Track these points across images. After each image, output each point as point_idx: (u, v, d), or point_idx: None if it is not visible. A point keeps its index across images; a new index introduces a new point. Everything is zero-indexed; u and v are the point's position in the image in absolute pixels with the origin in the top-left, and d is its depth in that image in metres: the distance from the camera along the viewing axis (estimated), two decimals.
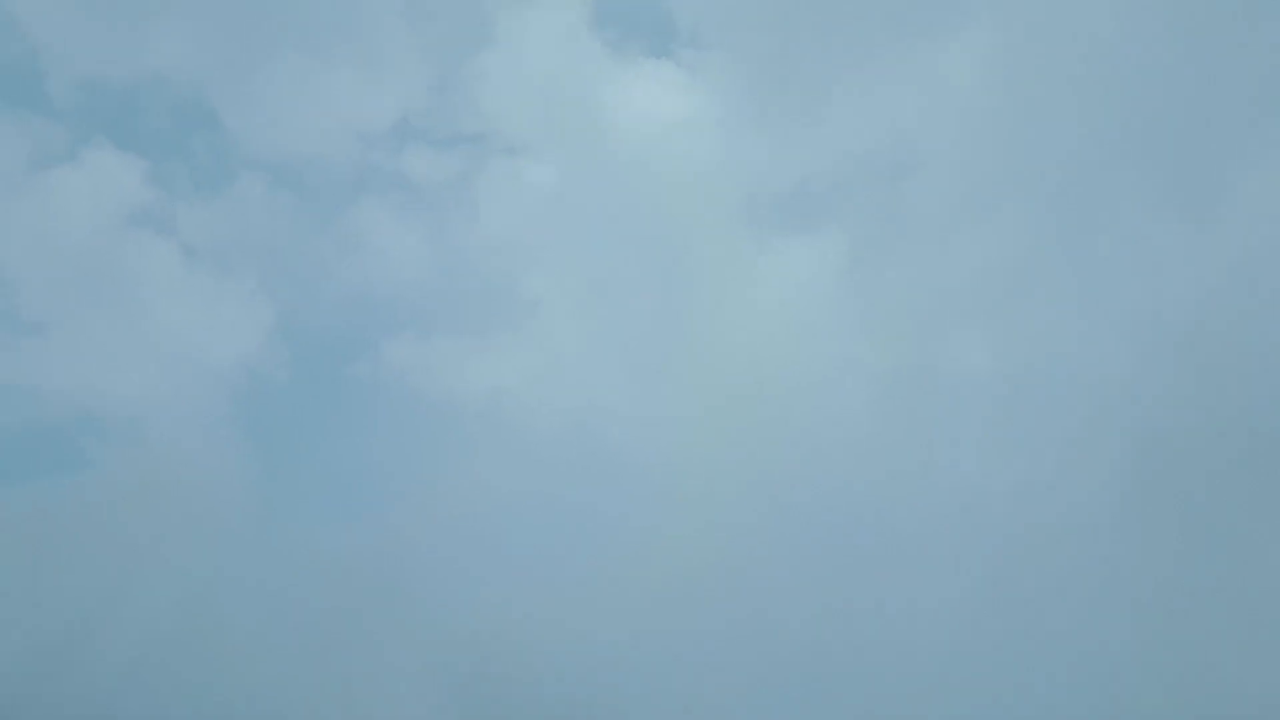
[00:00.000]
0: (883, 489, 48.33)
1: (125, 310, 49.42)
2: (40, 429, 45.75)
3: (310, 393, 49.54)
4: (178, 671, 41.09)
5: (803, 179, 53.11)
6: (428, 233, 53.84)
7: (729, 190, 53.81)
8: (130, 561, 43.51)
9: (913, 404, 49.63)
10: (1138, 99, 49.94)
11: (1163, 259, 47.10)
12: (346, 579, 44.58)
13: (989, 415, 49.47)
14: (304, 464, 47.98)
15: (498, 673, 44.10)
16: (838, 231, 52.85)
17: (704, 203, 53.68)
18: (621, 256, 54.03)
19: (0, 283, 46.94)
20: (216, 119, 51.38)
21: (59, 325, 48.10)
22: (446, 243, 53.93)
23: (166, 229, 50.20)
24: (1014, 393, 49.44)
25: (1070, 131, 50.78)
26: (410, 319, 51.30)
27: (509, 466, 47.57)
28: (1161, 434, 47.09)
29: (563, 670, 44.12)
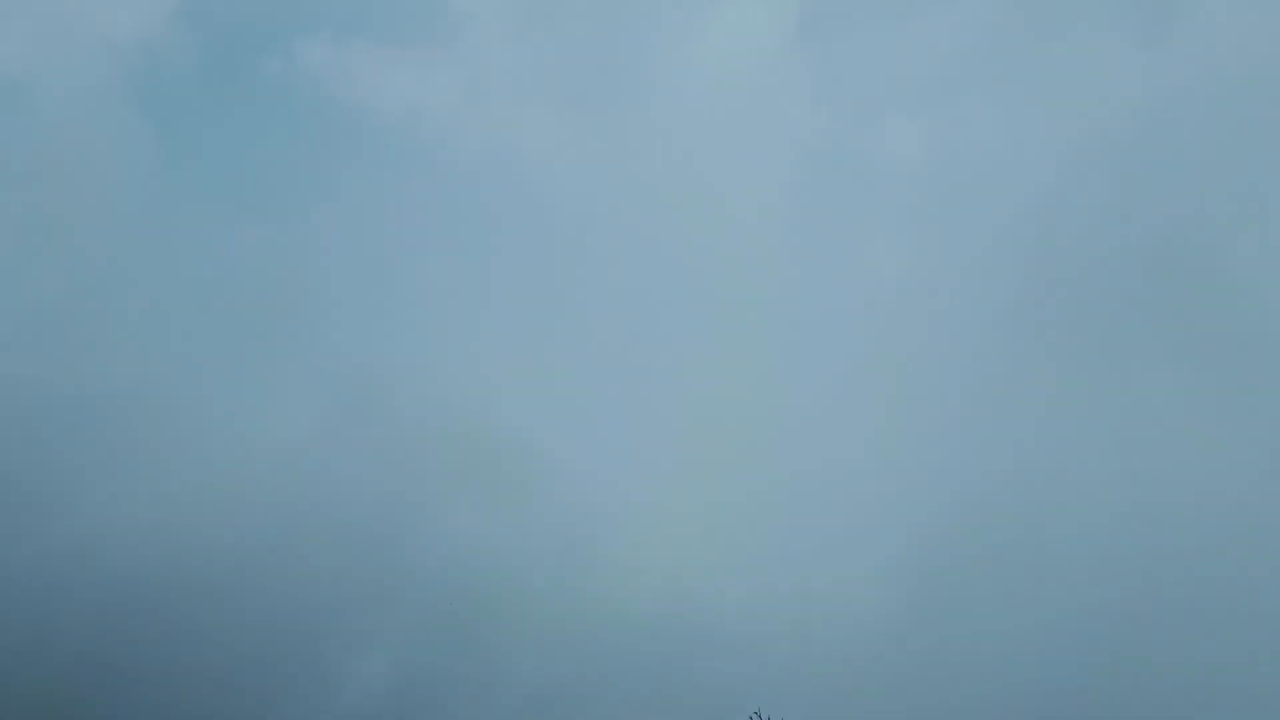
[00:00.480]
0: (797, 267, 48.71)
1: None
2: None
3: (216, 85, 46.69)
4: (68, 350, 41.00)
5: None
6: None
7: None
8: (19, 238, 42.32)
9: (838, 184, 49.20)
10: None
11: (1109, 75, 46.08)
12: (245, 279, 44.06)
13: (910, 207, 49.43)
14: (207, 158, 46.06)
15: (388, 399, 44.78)
16: None
17: None
18: None
19: None
20: None
21: None
22: None
23: None
24: (938, 188, 49.26)
25: None
26: (329, 18, 47.87)
27: (421, 193, 46.38)
28: (1073, 247, 47.85)
29: (453, 402, 45.02)
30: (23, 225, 42.02)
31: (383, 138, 48.33)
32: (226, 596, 38.55)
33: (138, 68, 45.37)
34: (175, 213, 44.52)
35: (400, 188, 47.91)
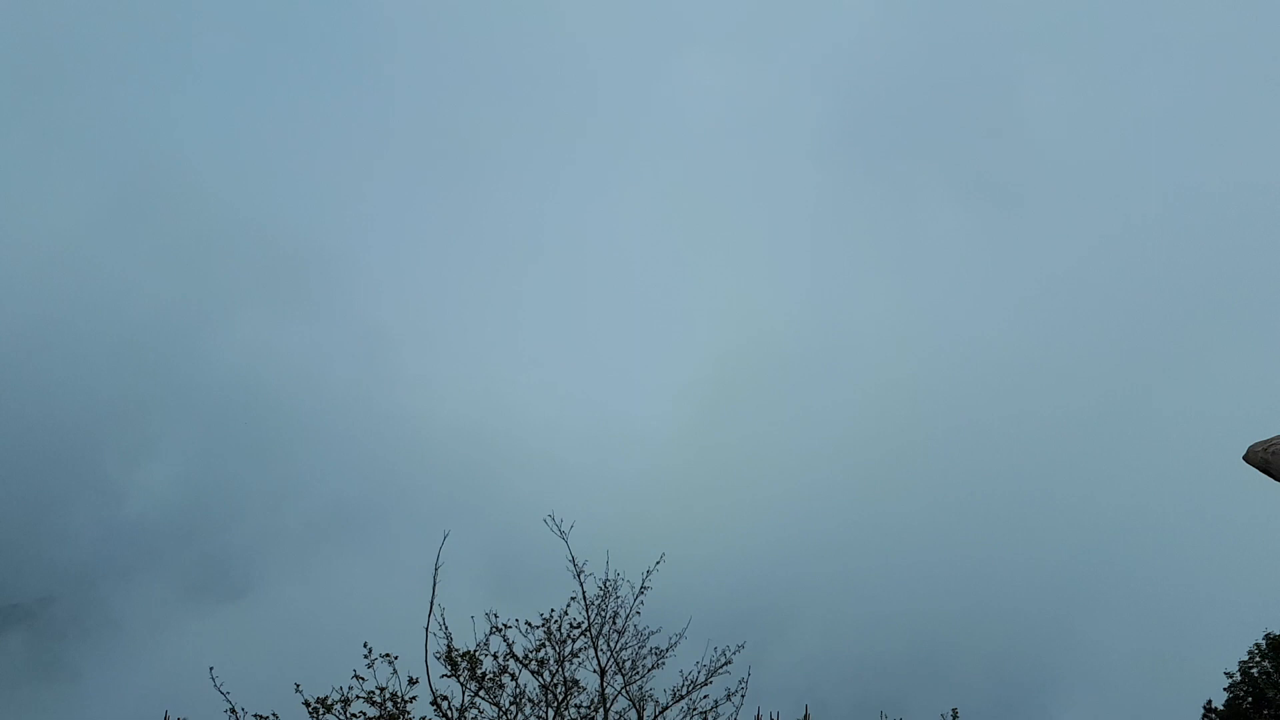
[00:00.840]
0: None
1: None
2: None
3: None
4: None
5: None
6: None
7: None
8: None
9: None
10: None
11: None
12: (8, 41, 41.49)
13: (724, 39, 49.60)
14: None
15: (177, 194, 42.99)
16: None
17: None
18: None
19: None
20: None
21: None
22: None
23: None
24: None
25: None
26: None
27: None
28: (881, 91, 49.28)
29: (249, 204, 43.49)
30: None
31: None
32: None
33: None
34: None
35: None
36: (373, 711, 9.54)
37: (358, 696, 9.39)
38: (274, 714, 9.53)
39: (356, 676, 9.41)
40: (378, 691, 9.47)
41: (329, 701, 9.24)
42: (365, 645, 9.51)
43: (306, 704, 9.29)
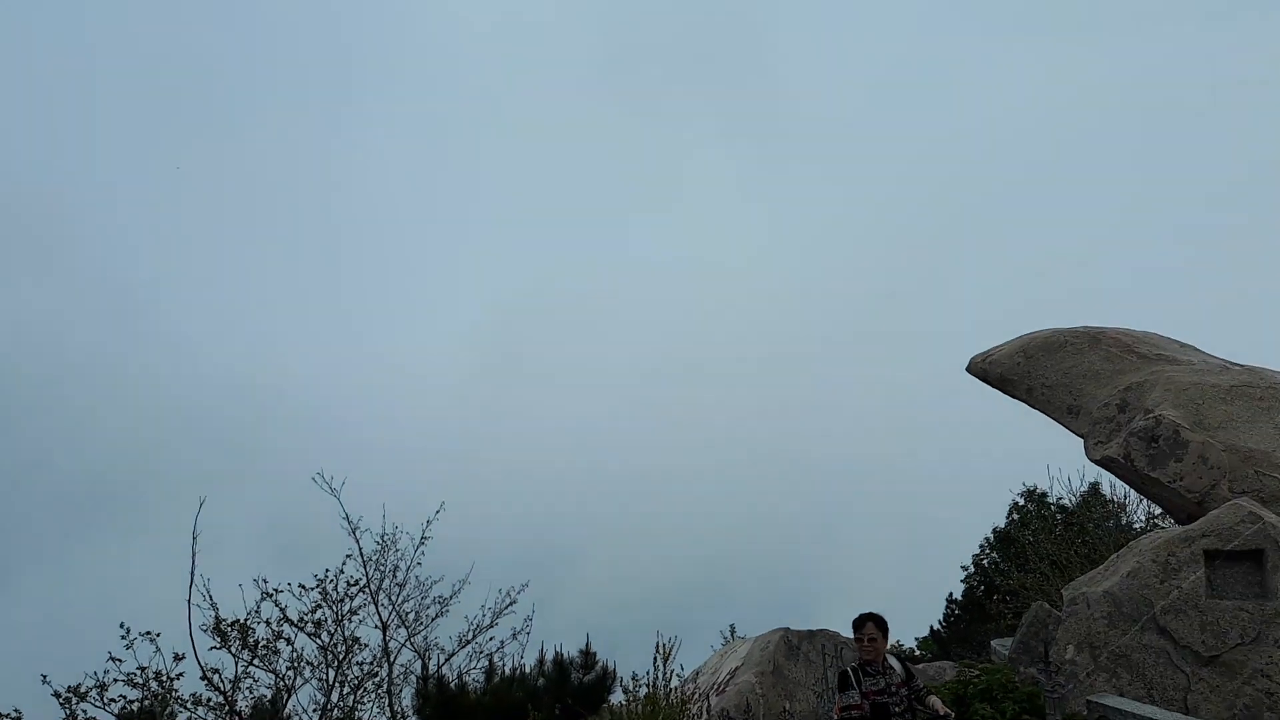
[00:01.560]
0: None
1: None
2: None
3: None
4: None
5: None
6: None
7: None
8: None
9: None
10: None
11: None
12: None
13: None
14: None
15: None
16: None
17: None
18: None
19: None
20: None
21: None
22: None
23: None
24: None
25: None
26: None
27: None
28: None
29: None
30: None
31: None
32: None
33: None
34: None
35: None
36: (135, 694, 9.03)
37: (116, 680, 8.83)
38: (16, 710, 8.85)
39: (113, 659, 8.84)
40: (139, 672, 8.95)
41: (82, 689, 8.64)
42: (122, 625, 8.95)
43: (57, 695, 8.65)
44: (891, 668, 6.08)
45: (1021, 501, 24.44)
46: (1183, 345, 11.55)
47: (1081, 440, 11.11)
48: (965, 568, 26.28)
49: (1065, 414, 11.37)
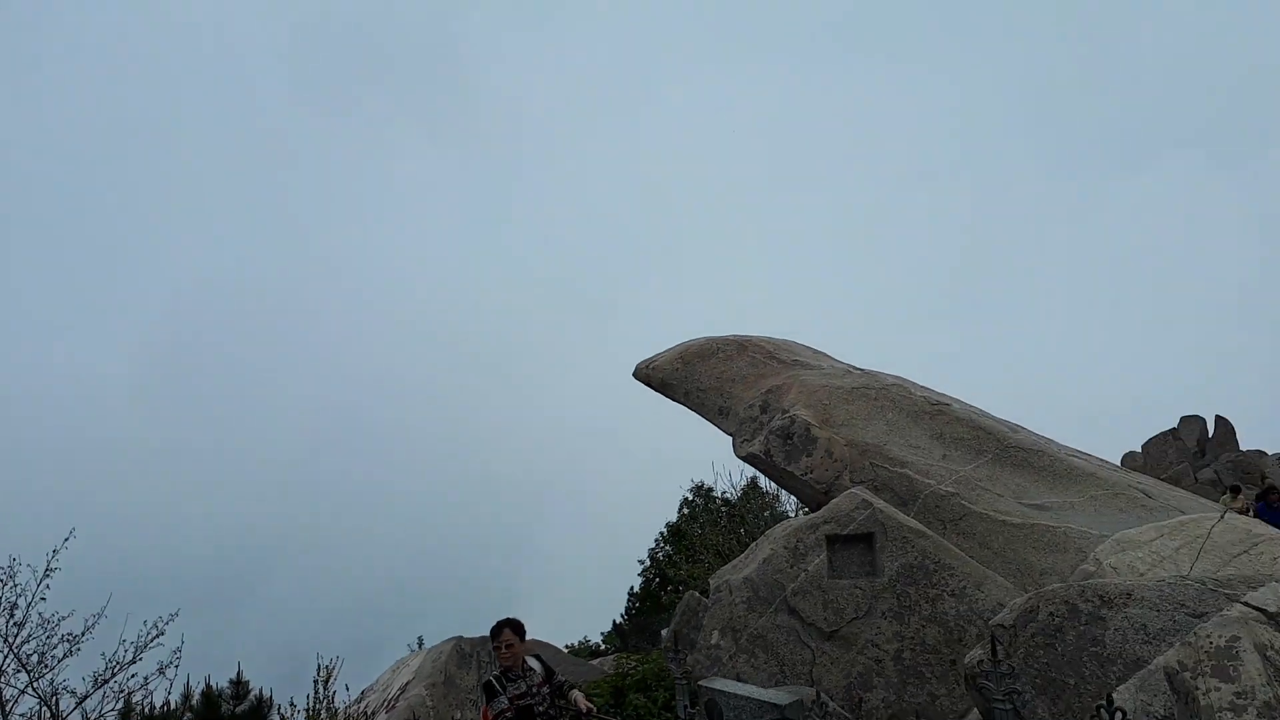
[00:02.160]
0: None
1: None
2: None
3: None
4: None
5: None
6: None
7: None
8: None
9: None
10: None
11: None
12: None
13: None
14: None
15: None
16: None
17: None
18: None
19: None
20: None
21: None
22: None
23: None
24: None
25: None
26: None
27: None
28: None
29: None
30: None
31: None
32: None
33: None
34: None
35: None
36: None
37: None
38: None
39: None
40: None
41: None
42: None
43: None
44: (532, 669, 6.17)
45: (691, 496, 26.09)
46: (816, 352, 12.83)
47: (731, 439, 11.99)
48: (642, 562, 27.57)
49: (717, 415, 12.22)
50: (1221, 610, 6.00)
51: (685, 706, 4.91)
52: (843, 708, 8.66)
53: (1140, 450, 25.60)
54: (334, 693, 10.02)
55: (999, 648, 6.47)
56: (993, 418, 11.11)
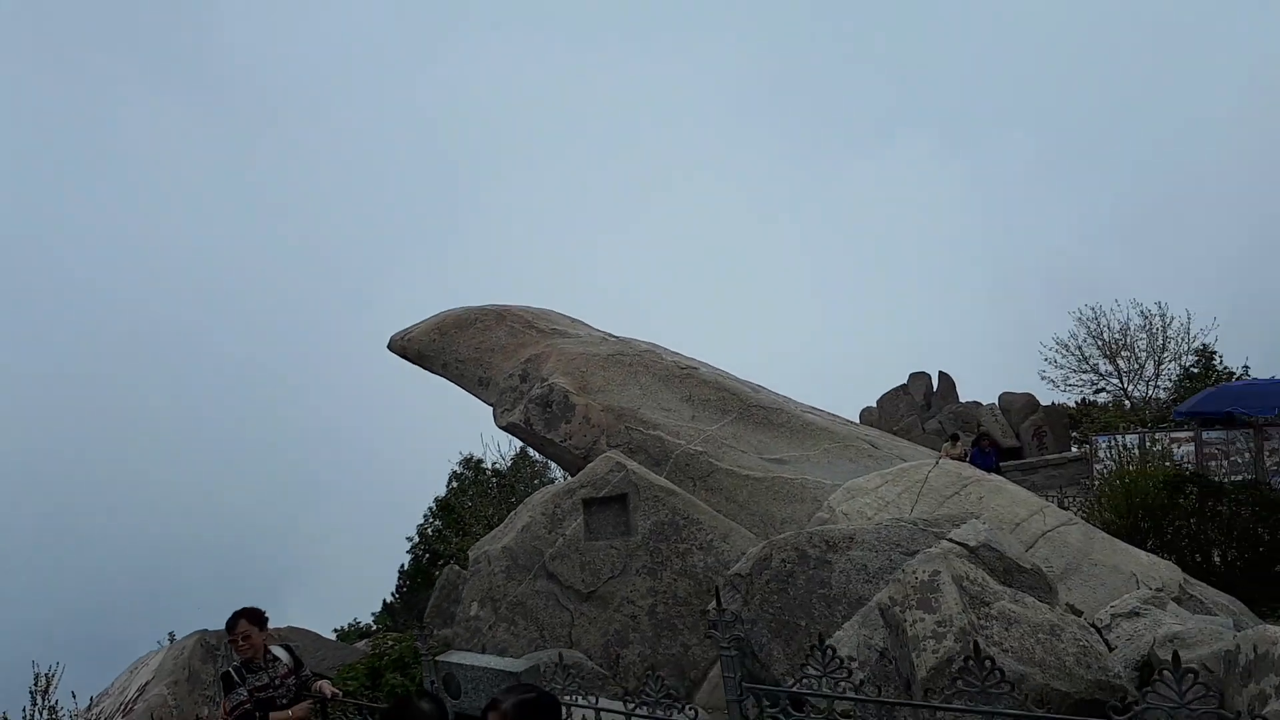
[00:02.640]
0: None
1: None
2: None
3: None
4: None
5: None
6: None
7: None
8: None
9: None
10: None
11: None
12: None
13: None
14: None
15: None
16: None
17: None
18: None
19: None
20: None
21: None
22: None
23: None
24: None
25: None
26: None
27: None
28: None
29: None
30: None
31: None
32: None
33: None
34: None
35: None
36: None
37: None
38: None
39: None
40: None
41: None
42: None
43: None
44: (277, 659, 5.88)
45: (460, 469, 25.79)
46: (573, 320, 12.95)
47: (492, 409, 11.90)
48: (410, 539, 27.00)
49: (477, 386, 12.09)
50: (930, 548, 6.63)
51: (432, 683, 4.84)
52: (601, 665, 8.88)
53: (876, 405, 27.89)
54: (55, 701, 9.14)
55: (737, 596, 6.84)
56: (737, 379, 11.69)
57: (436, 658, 5.00)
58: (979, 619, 5.03)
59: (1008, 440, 24.96)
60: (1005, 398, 26.52)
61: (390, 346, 12.97)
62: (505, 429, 11.63)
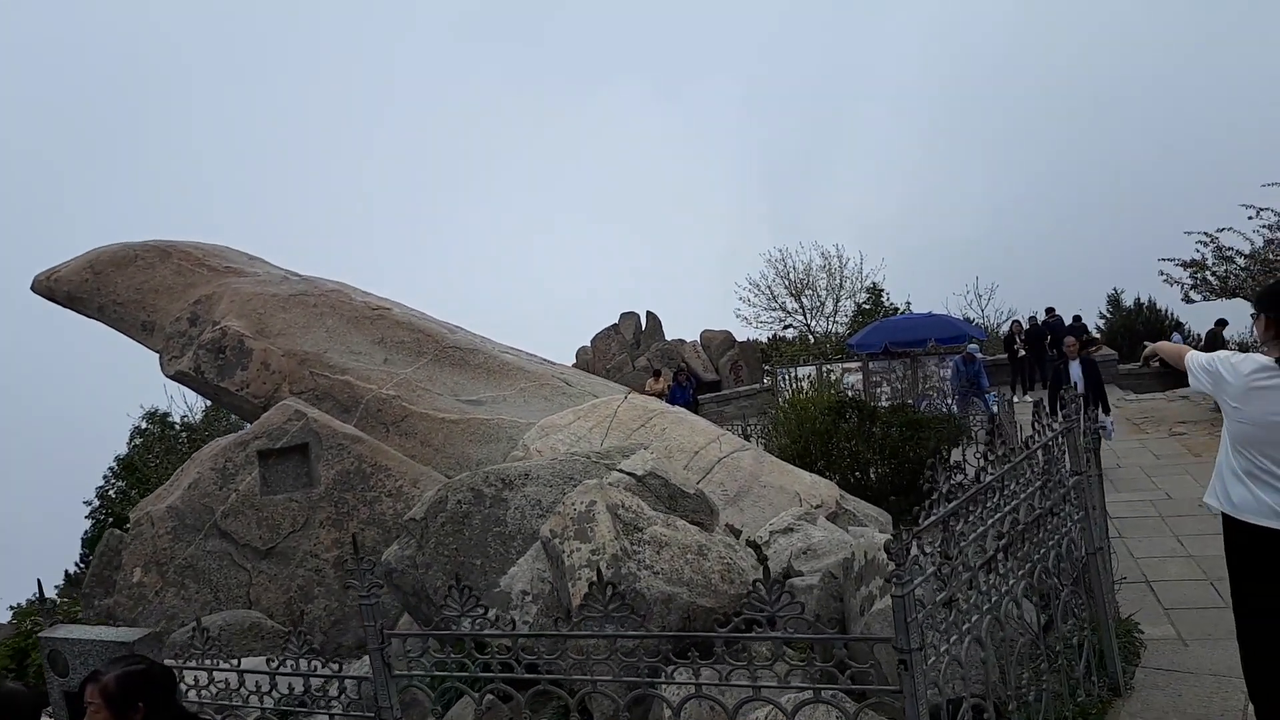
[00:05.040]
0: None
1: None
2: None
3: None
4: None
5: None
6: None
7: None
8: None
9: None
10: None
11: None
12: None
13: None
14: None
15: None
16: None
17: None
18: None
19: None
20: None
21: None
22: None
23: None
24: None
25: None
26: None
27: None
28: None
29: None
30: None
31: None
32: None
33: None
34: None
35: None
36: None
37: None
38: None
39: None
40: None
41: None
42: None
43: None
44: None
45: (144, 425, 23.55)
46: (251, 258, 12.01)
47: (159, 357, 10.83)
48: (89, 502, 24.44)
49: (140, 331, 10.94)
50: (604, 479, 6.79)
51: (46, 666, 4.31)
52: (284, 624, 8.43)
53: (590, 345, 28.52)
54: None
55: (411, 541, 6.69)
56: (433, 320, 11.39)
57: (39, 634, 4.46)
58: (632, 544, 5.20)
59: (708, 375, 26.48)
60: (706, 335, 28.09)
61: (34, 288, 11.42)
62: (174, 378, 10.64)
